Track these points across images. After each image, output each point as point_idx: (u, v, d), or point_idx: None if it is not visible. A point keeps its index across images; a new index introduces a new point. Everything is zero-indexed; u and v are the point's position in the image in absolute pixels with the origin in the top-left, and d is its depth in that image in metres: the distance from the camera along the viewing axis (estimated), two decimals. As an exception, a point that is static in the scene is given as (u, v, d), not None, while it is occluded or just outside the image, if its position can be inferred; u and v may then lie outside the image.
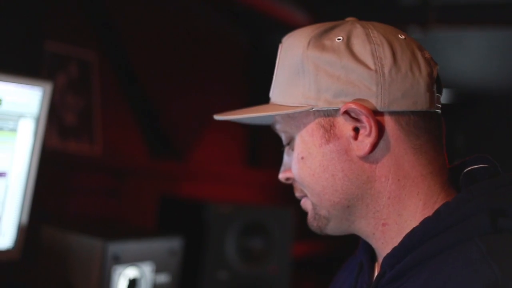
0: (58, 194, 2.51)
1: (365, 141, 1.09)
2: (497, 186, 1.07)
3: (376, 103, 1.08)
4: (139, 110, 2.99)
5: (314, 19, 3.40)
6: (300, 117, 1.14)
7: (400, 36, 1.13)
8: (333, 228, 1.18)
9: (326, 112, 1.11)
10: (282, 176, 1.23)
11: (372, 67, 1.08)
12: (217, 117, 1.25)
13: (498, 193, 1.05)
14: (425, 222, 1.07)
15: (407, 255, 1.06)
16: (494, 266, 0.96)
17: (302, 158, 1.15)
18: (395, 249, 1.09)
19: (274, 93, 1.19)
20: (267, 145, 3.78)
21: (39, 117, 1.96)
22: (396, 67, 1.08)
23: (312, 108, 1.11)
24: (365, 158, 1.10)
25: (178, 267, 2.34)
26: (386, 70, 1.07)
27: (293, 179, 1.20)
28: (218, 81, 3.53)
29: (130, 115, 2.96)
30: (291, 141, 1.19)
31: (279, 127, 1.20)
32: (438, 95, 1.13)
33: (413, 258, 1.05)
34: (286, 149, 1.22)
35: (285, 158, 1.23)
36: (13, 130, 1.92)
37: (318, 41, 1.12)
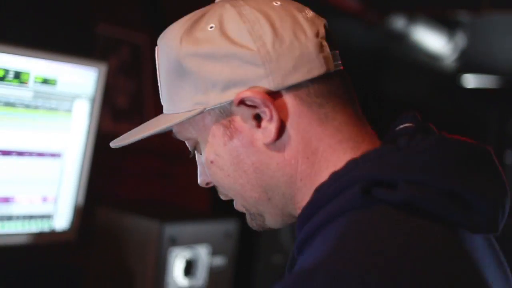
0: (110, 176, 2.51)
1: (269, 127, 0.99)
2: (385, 153, 0.97)
3: (269, 84, 0.98)
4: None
5: (365, 4, 3.35)
6: (197, 121, 1.04)
7: (275, 4, 1.02)
8: (272, 223, 1.10)
9: (221, 108, 1.01)
10: (201, 181, 1.14)
11: (253, 47, 0.98)
12: (113, 144, 1.15)
13: (383, 160, 0.95)
14: (311, 197, 1.00)
15: (300, 231, 1.00)
16: (330, 246, 0.88)
17: (212, 161, 1.06)
18: (296, 226, 1.03)
19: (163, 102, 1.10)
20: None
21: (94, 98, 1.95)
22: (278, 39, 0.98)
23: (205, 109, 1.01)
24: (273, 144, 1.01)
25: (234, 250, 2.32)
26: (269, 46, 0.98)
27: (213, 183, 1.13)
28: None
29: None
30: (197, 146, 1.09)
31: (180, 136, 1.10)
32: (335, 51, 1.03)
33: (301, 237, 0.99)
34: (196, 154, 1.13)
35: (198, 162, 1.14)
36: (68, 111, 1.91)
37: (190, 36, 1.02)
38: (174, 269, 2.11)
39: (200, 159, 1.12)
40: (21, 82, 1.77)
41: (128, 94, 2.65)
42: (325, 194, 0.97)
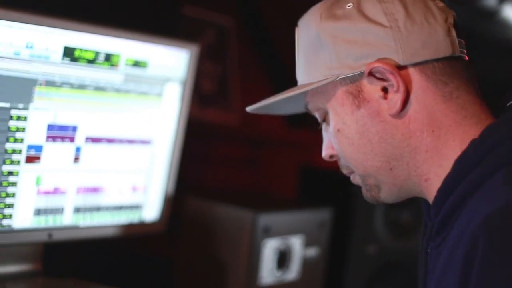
0: (197, 164, 2.42)
1: (395, 98, 1.09)
2: None
3: (398, 58, 1.08)
4: (276, 79, 2.87)
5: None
6: (328, 90, 1.15)
7: None
8: (386, 196, 1.18)
9: (352, 79, 1.12)
10: (325, 154, 1.24)
11: (386, 24, 1.08)
12: (248, 108, 1.30)
13: None
14: (455, 165, 1.06)
15: (445, 202, 1.06)
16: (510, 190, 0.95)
17: (338, 130, 1.15)
18: (435, 198, 1.08)
19: (299, 76, 1.22)
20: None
21: (185, 81, 1.86)
22: (410, 19, 1.08)
23: (337, 77, 1.12)
24: (398, 115, 1.10)
25: (328, 240, 2.22)
26: (401, 24, 1.08)
27: (337, 156, 1.21)
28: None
29: (268, 83, 2.85)
30: (325, 117, 1.19)
31: (311, 107, 1.22)
32: (460, 40, 1.11)
33: (449, 204, 1.05)
34: (323, 126, 1.23)
35: (324, 136, 1.24)
36: (159, 95, 1.82)
37: (329, 13, 1.13)
38: (267, 261, 2.01)
39: (326, 131, 1.21)
40: (112, 65, 1.68)
41: (214, 78, 2.55)
42: (469, 161, 1.04)
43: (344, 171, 1.23)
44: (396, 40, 1.08)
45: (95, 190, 1.75)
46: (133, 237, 1.90)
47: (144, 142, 1.83)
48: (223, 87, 2.59)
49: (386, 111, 1.10)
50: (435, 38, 1.08)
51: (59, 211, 1.68)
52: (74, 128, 1.66)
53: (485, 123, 1.08)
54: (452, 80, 1.09)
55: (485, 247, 0.91)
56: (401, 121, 1.10)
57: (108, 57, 1.67)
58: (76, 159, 1.69)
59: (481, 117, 1.09)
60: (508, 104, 1.12)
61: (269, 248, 2.00)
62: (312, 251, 2.16)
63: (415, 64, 1.08)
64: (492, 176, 1.00)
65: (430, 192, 1.11)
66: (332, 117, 1.16)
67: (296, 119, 2.94)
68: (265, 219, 1.98)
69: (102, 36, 1.65)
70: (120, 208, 1.82)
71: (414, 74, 1.09)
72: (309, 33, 1.17)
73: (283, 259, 2.07)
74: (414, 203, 2.51)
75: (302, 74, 1.20)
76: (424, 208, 1.20)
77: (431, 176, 1.10)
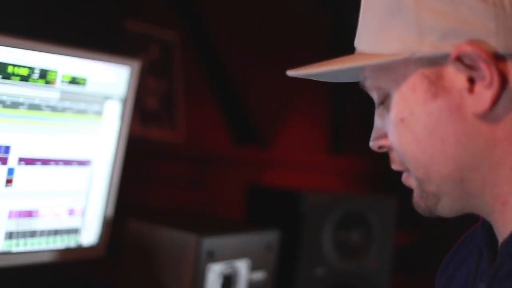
0: (140, 184, 2.34)
1: (485, 94, 0.85)
2: None
3: (497, 44, 0.84)
4: (222, 95, 2.81)
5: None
6: (398, 68, 0.91)
7: None
8: (445, 208, 0.95)
9: (432, 60, 0.88)
10: (374, 144, 1.01)
11: None
12: (290, 72, 1.03)
13: None
14: None
15: None
16: None
17: (402, 120, 0.92)
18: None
19: (361, 40, 0.97)
20: (353, 131, 3.57)
21: (126, 98, 1.78)
22: None
23: (414, 55, 0.88)
24: (484, 116, 0.86)
25: (275, 263, 2.15)
26: (507, 2, 0.84)
27: (389, 148, 0.99)
28: (302, 64, 3.32)
29: (213, 100, 2.79)
30: (385, 100, 0.96)
31: (369, 84, 0.97)
32: None
33: None
34: (379, 111, 0.99)
35: (377, 121, 1.00)
36: (98, 113, 1.74)
37: None
38: (212, 286, 1.93)
39: (381, 117, 0.99)
40: (48, 82, 1.59)
41: (158, 95, 2.47)
42: None
43: (395, 167, 1.00)
44: (498, 21, 0.84)
45: (29, 214, 1.66)
46: (71, 262, 1.81)
47: (82, 162, 1.74)
48: (168, 104, 2.51)
49: (470, 108, 0.87)
50: None
51: (-11, 236, 1.59)
52: (7, 149, 1.57)
53: None
54: None
55: None
56: (487, 125, 0.87)
57: (43, 74, 1.58)
58: (9, 181, 1.59)
59: None
60: None
61: (214, 273, 1.93)
62: (259, 275, 2.09)
63: None
64: None
65: (505, 219, 0.91)
66: (396, 102, 0.93)
67: (243, 136, 2.89)
68: (209, 242, 1.90)
69: (37, 51, 1.56)
70: (56, 232, 1.72)
71: None
72: None
73: (228, 283, 1.99)
74: (363, 222, 2.46)
75: (365, 39, 0.96)
76: (482, 227, 1.01)
77: (510, 199, 0.89)
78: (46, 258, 1.72)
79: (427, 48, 0.87)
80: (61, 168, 1.69)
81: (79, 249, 1.79)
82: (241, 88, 2.91)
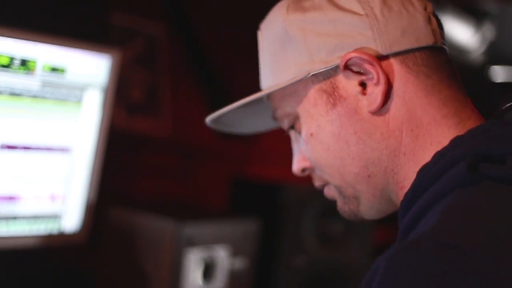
0: (123, 174, 2.38)
1: (375, 92, 0.97)
2: (492, 127, 0.92)
3: (376, 47, 0.97)
4: (208, 88, 2.84)
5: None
6: (299, 90, 1.03)
7: None
8: (367, 209, 1.06)
9: (325, 74, 1.01)
10: (296, 168, 1.12)
11: (361, 12, 0.98)
12: (207, 120, 1.20)
13: (490, 135, 0.91)
14: (415, 179, 0.94)
15: (404, 217, 0.95)
16: (436, 220, 0.83)
17: (312, 134, 1.03)
18: (398, 213, 0.97)
19: (263, 79, 1.10)
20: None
21: (106, 88, 1.82)
22: (386, 6, 0.98)
23: (309, 74, 1.00)
24: (378, 112, 0.98)
25: (255, 251, 2.19)
26: (377, 12, 0.98)
27: (310, 169, 1.10)
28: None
29: (199, 92, 2.82)
30: (296, 123, 1.07)
31: (279, 113, 1.09)
32: (441, 31, 1.03)
33: (405, 222, 0.93)
34: (293, 135, 1.12)
35: (295, 148, 1.13)
36: (79, 101, 1.78)
37: (297, 5, 1.03)
38: (191, 272, 1.97)
39: (296, 140, 1.11)
40: (28, 71, 1.64)
41: (143, 87, 2.51)
42: (428, 175, 0.92)
43: (317, 184, 1.11)
44: (373, 29, 0.97)
45: (10, 198, 1.70)
46: (52, 248, 1.85)
47: (63, 150, 1.78)
48: (153, 96, 2.55)
49: (366, 107, 0.98)
50: (415, 25, 0.98)
51: (-29, 220, 1.63)
52: (-12, 135, 1.61)
53: (466, 124, 0.97)
54: (435, 73, 0.99)
55: (380, 277, 0.80)
56: (381, 119, 0.98)
57: (24, 62, 1.62)
58: (-10, 166, 1.64)
59: (462, 117, 0.98)
60: (504, 107, 1.01)
61: (193, 259, 1.97)
62: (239, 262, 2.13)
63: (395, 54, 0.98)
64: (441, 199, 0.89)
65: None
66: (304, 121, 1.04)
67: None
68: (188, 229, 1.94)
69: (17, 40, 1.60)
70: (37, 217, 1.76)
71: (394, 64, 0.98)
72: (274, 30, 1.06)
73: (208, 270, 2.03)
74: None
75: (268, 79, 1.08)
76: None
77: (406, 184, 0.98)
78: (27, 243, 1.76)
79: (318, 65, 0.99)
80: (42, 155, 1.73)
81: (61, 235, 1.83)
82: (227, 81, 2.94)
